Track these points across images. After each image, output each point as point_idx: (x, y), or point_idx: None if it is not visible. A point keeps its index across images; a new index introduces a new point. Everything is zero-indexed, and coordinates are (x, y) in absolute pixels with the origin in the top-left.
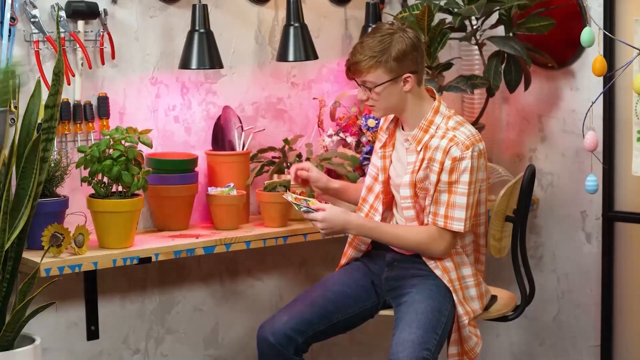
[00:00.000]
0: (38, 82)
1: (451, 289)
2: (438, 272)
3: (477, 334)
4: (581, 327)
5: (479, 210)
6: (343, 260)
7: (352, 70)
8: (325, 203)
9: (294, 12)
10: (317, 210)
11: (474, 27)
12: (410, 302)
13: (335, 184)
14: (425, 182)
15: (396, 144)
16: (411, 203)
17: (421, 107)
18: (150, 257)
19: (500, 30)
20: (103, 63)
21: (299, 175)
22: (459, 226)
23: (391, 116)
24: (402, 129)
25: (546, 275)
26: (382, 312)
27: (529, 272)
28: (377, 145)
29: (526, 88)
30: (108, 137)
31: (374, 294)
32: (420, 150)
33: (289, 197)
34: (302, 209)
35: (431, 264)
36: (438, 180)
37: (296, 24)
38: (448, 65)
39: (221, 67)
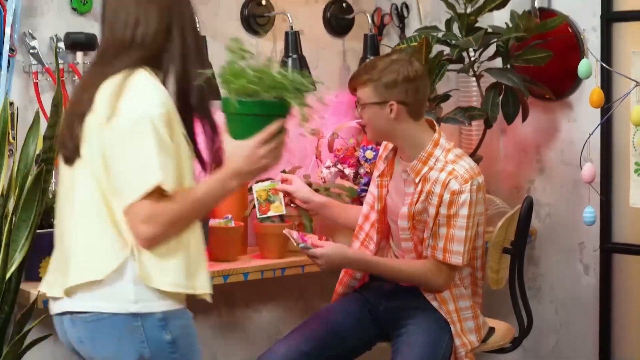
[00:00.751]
0: (37, 113)
1: (449, 320)
2: (435, 304)
3: None
4: (580, 358)
5: (476, 244)
6: (339, 288)
7: (350, 82)
8: (325, 240)
9: (292, 44)
10: (315, 246)
11: (472, 58)
12: (408, 334)
13: (319, 198)
14: (423, 214)
15: (394, 173)
16: (409, 235)
17: (419, 138)
18: None
19: (498, 62)
20: None
21: (282, 187)
22: (457, 259)
23: (390, 145)
24: (401, 159)
25: (544, 306)
26: (380, 345)
27: (526, 304)
28: (375, 173)
29: (524, 119)
30: None
31: (372, 326)
32: (419, 182)
33: (291, 234)
34: (300, 245)
35: (429, 296)
36: (437, 214)
37: (294, 56)
38: (446, 97)
39: (219, 99)
